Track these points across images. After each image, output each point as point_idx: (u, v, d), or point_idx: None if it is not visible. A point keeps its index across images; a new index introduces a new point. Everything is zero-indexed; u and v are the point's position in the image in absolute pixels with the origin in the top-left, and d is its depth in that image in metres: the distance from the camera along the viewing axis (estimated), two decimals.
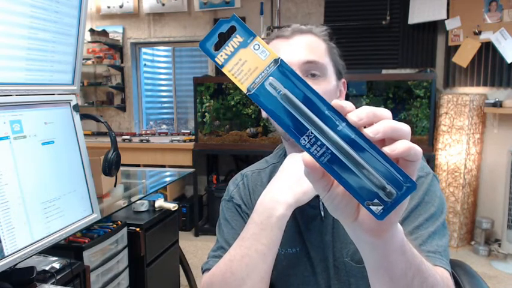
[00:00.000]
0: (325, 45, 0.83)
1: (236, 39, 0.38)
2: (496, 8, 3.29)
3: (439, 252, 0.69)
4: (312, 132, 0.36)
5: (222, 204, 0.91)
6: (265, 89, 0.37)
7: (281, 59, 0.37)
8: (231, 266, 0.74)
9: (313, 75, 0.78)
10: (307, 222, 0.83)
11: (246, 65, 0.38)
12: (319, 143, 0.36)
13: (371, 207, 0.36)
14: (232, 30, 0.39)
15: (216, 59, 0.38)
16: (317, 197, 0.80)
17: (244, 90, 0.37)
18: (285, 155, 0.92)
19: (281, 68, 0.37)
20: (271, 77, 0.37)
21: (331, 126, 0.36)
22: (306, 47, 0.79)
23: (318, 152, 0.36)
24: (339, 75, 0.85)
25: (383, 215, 0.36)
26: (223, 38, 0.40)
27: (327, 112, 0.37)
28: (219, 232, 0.88)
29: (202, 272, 0.83)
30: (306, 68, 0.78)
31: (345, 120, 0.36)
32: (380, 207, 0.36)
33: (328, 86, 0.79)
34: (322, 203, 0.82)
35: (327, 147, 0.36)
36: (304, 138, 0.37)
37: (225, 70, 0.38)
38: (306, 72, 0.78)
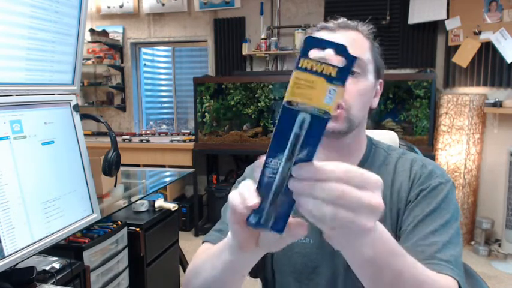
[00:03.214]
0: (369, 43, 0.83)
1: (329, 70, 0.38)
2: (496, 8, 3.29)
3: (451, 262, 0.69)
4: (278, 162, 0.41)
5: (235, 185, 0.91)
6: (295, 117, 0.39)
7: (328, 118, 0.38)
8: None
9: (353, 73, 0.78)
10: None
11: (310, 90, 0.38)
12: (274, 171, 0.41)
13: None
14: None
15: (302, 59, 0.38)
16: None
17: (286, 98, 0.38)
18: None
19: (322, 122, 0.39)
20: (308, 117, 0.38)
21: (287, 167, 0.41)
22: (350, 42, 0.79)
23: (270, 173, 0.41)
24: (378, 75, 0.85)
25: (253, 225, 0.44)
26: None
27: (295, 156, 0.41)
28: (225, 211, 0.88)
29: (202, 242, 0.83)
30: None
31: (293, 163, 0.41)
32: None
33: (366, 84, 0.80)
34: None
35: (274, 177, 0.41)
36: (270, 161, 0.41)
37: (295, 72, 0.38)
38: None
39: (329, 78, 0.38)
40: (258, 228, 0.44)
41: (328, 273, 0.83)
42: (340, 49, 0.38)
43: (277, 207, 0.43)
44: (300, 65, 0.38)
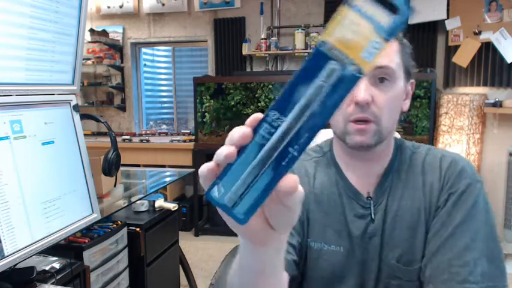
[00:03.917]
0: (398, 44, 0.79)
1: (381, 17, 0.31)
2: (496, 8, 3.29)
3: (478, 282, 0.69)
4: (282, 118, 0.33)
5: None
6: (324, 63, 0.32)
7: (359, 78, 0.31)
8: None
9: (382, 80, 0.75)
10: (356, 221, 0.82)
11: (353, 35, 0.31)
12: (271, 130, 0.33)
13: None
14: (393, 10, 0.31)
15: None
16: (368, 197, 0.81)
17: (322, 37, 0.32)
18: (330, 151, 0.89)
19: (351, 80, 0.31)
20: (339, 69, 0.31)
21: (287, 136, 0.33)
22: None
23: (265, 132, 0.33)
24: (408, 76, 0.80)
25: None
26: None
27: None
28: None
29: None
30: (376, 73, 0.74)
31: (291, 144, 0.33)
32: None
33: (395, 91, 0.76)
34: (373, 204, 0.81)
35: (268, 138, 0.33)
36: (275, 114, 0.33)
37: (344, 8, 0.31)
38: (375, 76, 0.75)
39: (378, 27, 0.31)
40: (216, 205, 0.34)
41: (356, 285, 0.81)
42: None
43: (252, 184, 0.33)
44: (351, 1, 0.31)
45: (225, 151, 0.34)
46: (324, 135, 0.94)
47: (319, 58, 0.32)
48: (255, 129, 0.33)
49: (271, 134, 0.33)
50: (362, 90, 0.72)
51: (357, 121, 0.74)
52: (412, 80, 0.83)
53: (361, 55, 0.31)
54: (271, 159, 0.33)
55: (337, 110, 0.32)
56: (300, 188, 0.35)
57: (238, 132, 0.34)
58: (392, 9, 0.31)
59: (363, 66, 0.31)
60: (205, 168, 0.35)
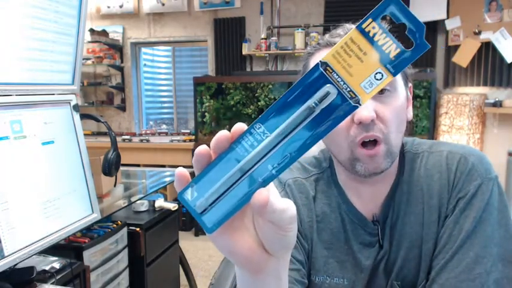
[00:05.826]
0: None
1: (390, 48, 0.29)
2: (496, 8, 3.29)
3: None
4: (267, 133, 0.31)
5: None
6: (321, 85, 0.30)
7: (357, 107, 0.30)
8: None
9: (382, 91, 0.66)
10: (363, 250, 0.75)
11: (357, 61, 0.29)
12: (254, 143, 0.32)
13: None
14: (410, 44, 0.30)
15: (370, 20, 0.30)
16: (374, 223, 0.74)
17: (325, 58, 0.30)
18: (330, 167, 0.80)
19: (345, 109, 0.30)
20: (335, 94, 0.30)
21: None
22: None
23: (247, 144, 0.32)
24: (407, 80, 0.73)
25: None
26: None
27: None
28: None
29: None
30: None
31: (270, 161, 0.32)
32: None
33: (398, 101, 0.68)
34: (381, 229, 0.73)
35: (249, 151, 0.32)
36: (260, 127, 0.31)
37: (353, 31, 0.30)
38: None
39: (384, 58, 0.29)
40: (186, 208, 0.34)
41: None
42: (413, 29, 0.29)
43: (225, 194, 0.33)
44: (363, 26, 0.29)
45: (198, 149, 0.33)
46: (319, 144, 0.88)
47: (317, 77, 0.30)
48: (239, 139, 0.32)
49: (253, 147, 0.31)
50: (364, 107, 0.62)
51: (366, 143, 0.66)
52: (410, 84, 0.75)
53: (360, 84, 0.29)
54: (248, 173, 0.32)
55: (323, 138, 0.31)
56: (285, 205, 0.33)
57: (216, 136, 0.33)
58: (406, 42, 0.29)
59: (361, 96, 0.29)
60: (181, 169, 0.35)
